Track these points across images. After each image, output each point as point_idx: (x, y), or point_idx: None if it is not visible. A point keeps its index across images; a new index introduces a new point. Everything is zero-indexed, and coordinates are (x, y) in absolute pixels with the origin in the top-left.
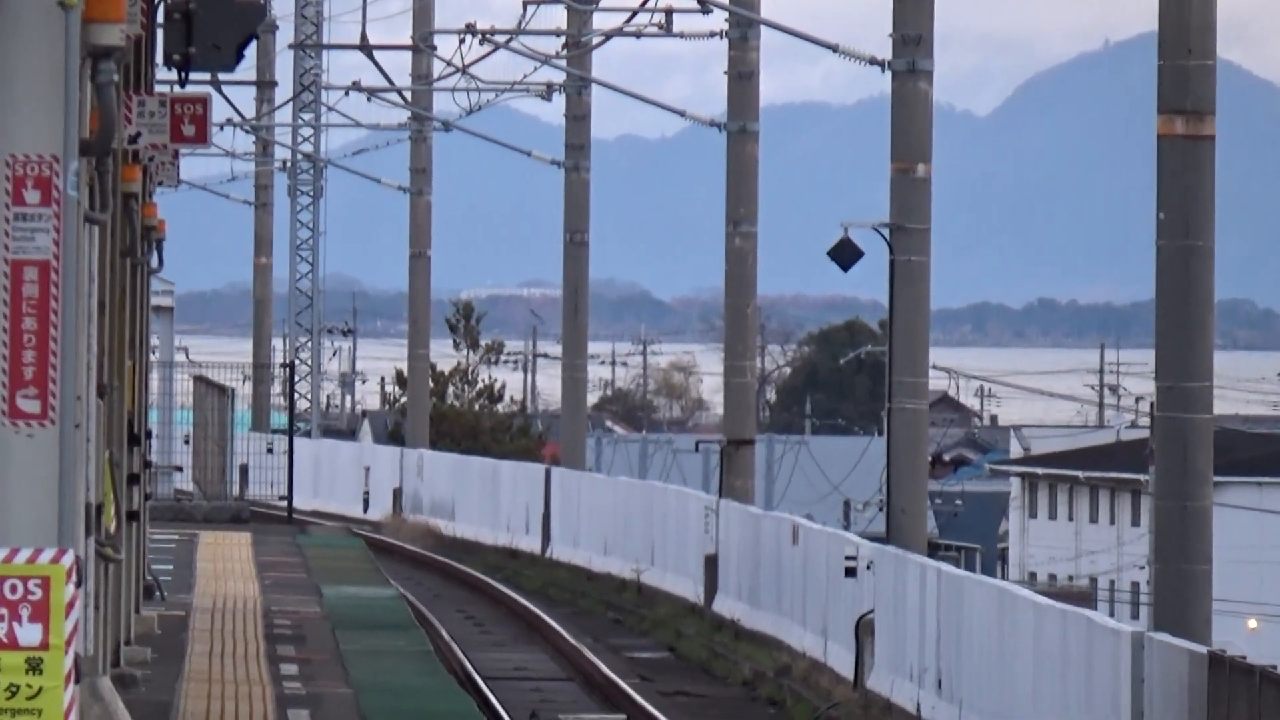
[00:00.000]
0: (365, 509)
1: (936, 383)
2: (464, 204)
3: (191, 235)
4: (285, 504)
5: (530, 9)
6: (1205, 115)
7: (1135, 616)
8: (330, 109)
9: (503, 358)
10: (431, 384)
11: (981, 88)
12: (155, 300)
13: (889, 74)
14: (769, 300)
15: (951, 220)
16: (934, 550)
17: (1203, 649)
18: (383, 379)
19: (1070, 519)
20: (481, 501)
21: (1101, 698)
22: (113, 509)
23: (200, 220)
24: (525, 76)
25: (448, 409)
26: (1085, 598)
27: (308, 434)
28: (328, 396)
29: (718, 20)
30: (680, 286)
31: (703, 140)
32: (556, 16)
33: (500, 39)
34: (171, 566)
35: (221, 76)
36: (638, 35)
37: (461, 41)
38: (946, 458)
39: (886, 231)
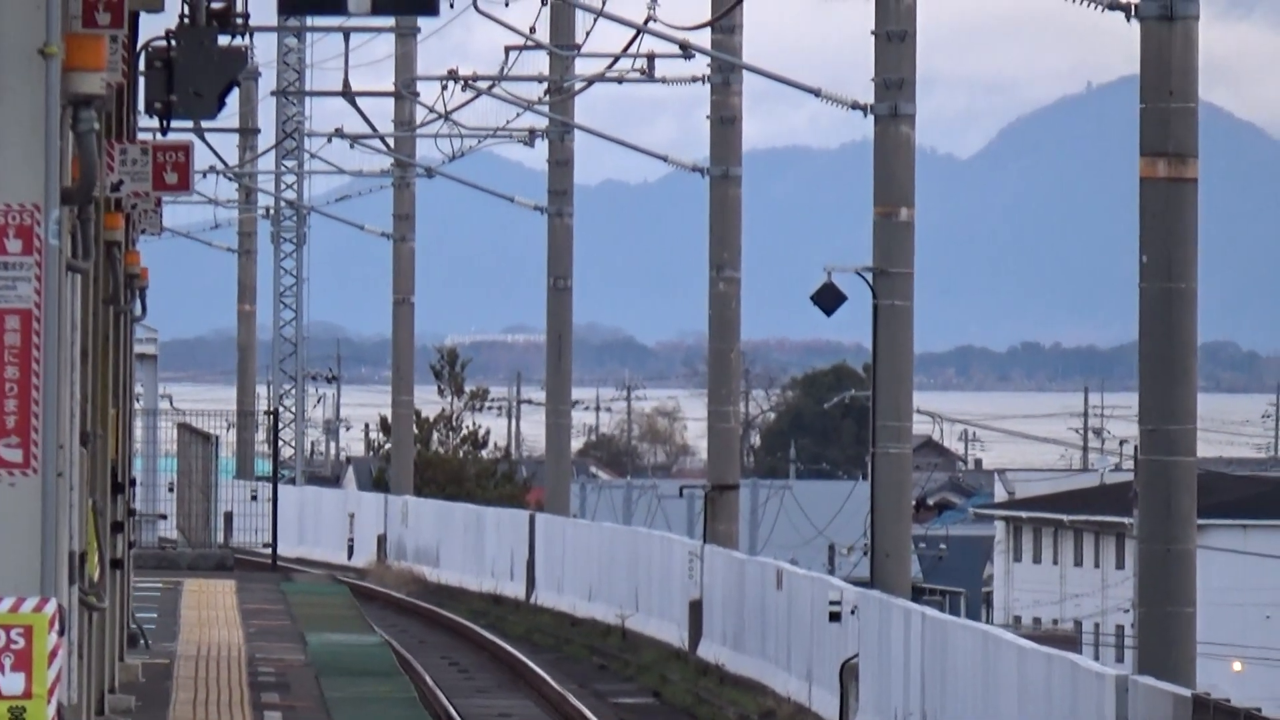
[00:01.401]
0: (350, 556)
1: (920, 427)
2: (447, 250)
3: (175, 282)
4: (270, 551)
5: (513, 55)
6: (1187, 158)
7: (1120, 659)
8: (313, 155)
9: (487, 404)
10: (416, 430)
11: (964, 130)
12: (139, 348)
13: (871, 118)
14: (752, 344)
15: (934, 263)
16: (918, 594)
17: (1187, 692)
18: (367, 426)
19: (1054, 562)
20: (466, 548)
21: None
22: (96, 557)
23: (184, 267)
24: (508, 122)
25: (432, 455)
26: (1070, 641)
27: (292, 481)
28: (312, 443)
29: (700, 66)
30: (664, 331)
31: (686, 185)
32: (539, 62)
33: (483, 85)
34: (156, 614)
35: (204, 124)
36: (620, 81)
37: (444, 87)
38: (931, 502)
39: (869, 275)
